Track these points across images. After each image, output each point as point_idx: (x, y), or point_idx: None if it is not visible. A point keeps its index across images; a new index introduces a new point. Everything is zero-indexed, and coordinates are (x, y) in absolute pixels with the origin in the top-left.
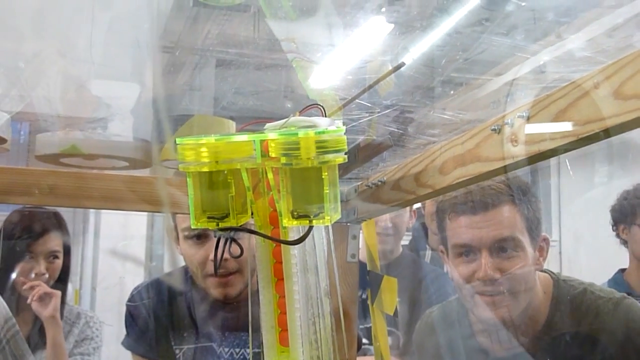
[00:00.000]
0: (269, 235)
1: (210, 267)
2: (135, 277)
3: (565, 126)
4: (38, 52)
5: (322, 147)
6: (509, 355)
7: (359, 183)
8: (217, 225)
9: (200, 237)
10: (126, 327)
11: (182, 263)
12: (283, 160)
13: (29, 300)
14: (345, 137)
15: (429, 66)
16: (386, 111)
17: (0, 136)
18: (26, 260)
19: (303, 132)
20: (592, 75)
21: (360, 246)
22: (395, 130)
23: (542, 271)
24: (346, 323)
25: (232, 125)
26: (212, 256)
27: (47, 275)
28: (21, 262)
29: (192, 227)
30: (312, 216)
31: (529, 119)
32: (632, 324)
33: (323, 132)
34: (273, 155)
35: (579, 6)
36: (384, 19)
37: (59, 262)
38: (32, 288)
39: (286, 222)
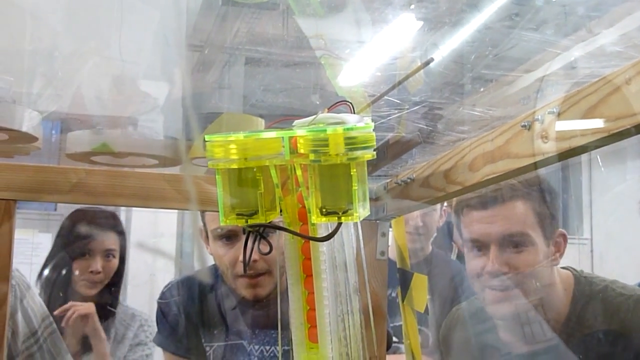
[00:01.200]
0: (298, 232)
1: (239, 268)
2: (165, 274)
3: (596, 122)
4: (73, 51)
5: (351, 144)
6: (531, 351)
7: (388, 180)
8: (246, 222)
9: (229, 237)
10: (157, 324)
11: (212, 261)
12: (312, 156)
13: (62, 324)
14: (374, 133)
15: (458, 62)
16: (415, 108)
17: (31, 135)
18: (84, 257)
19: (331, 128)
20: (624, 70)
21: (389, 244)
22: (425, 127)
23: (564, 268)
24: (376, 320)
25: (261, 122)
26: (242, 257)
27: (102, 274)
28: (79, 259)
29: (221, 224)
30: (340, 213)
31: (559, 115)
32: None
33: (352, 129)
34: (302, 151)
35: (609, 0)
36: (413, 16)
37: (115, 262)
38: (64, 311)
39: (315, 218)
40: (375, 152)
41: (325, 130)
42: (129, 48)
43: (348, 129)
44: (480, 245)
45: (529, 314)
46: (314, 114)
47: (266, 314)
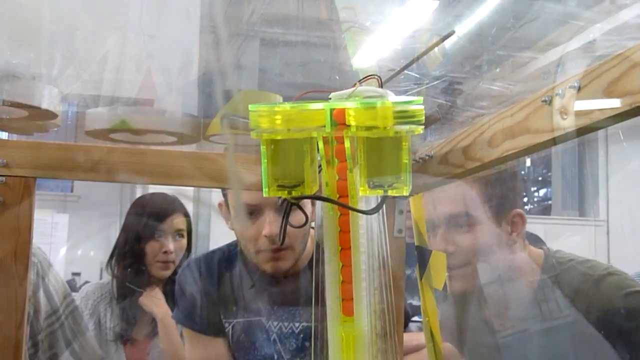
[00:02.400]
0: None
1: (262, 243)
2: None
3: (618, 96)
4: (92, 30)
5: (401, 117)
6: (509, 332)
7: None
8: (289, 193)
9: (252, 213)
10: (176, 301)
11: (227, 241)
12: (361, 129)
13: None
14: (423, 107)
15: (479, 35)
16: (435, 82)
17: (50, 111)
18: (155, 239)
19: (381, 101)
20: None
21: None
22: (444, 102)
23: (539, 248)
24: (395, 298)
25: (279, 99)
26: (265, 231)
27: (174, 254)
28: (151, 240)
29: (264, 195)
30: (386, 186)
31: (580, 90)
32: (610, 302)
33: (402, 103)
34: (351, 123)
35: None
36: None
37: (184, 242)
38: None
39: (362, 191)
40: (423, 127)
41: (376, 103)
42: (148, 27)
43: (398, 103)
44: (432, 226)
45: (487, 291)
46: (335, 89)
47: (285, 291)
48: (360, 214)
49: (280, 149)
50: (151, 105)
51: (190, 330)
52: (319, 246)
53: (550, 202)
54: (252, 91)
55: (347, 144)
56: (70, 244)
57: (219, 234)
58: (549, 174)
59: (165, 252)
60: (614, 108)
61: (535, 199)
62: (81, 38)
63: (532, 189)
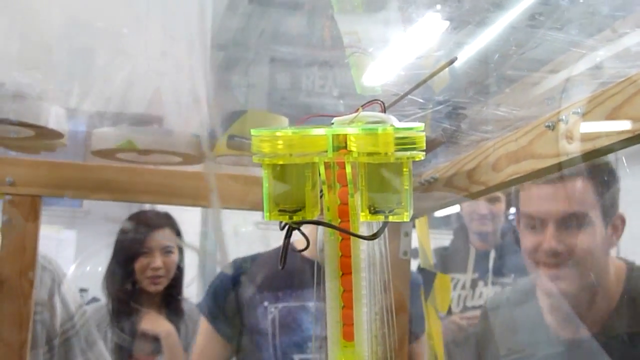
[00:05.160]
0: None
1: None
2: (188, 270)
3: (621, 123)
4: (101, 48)
5: (402, 144)
6: (574, 338)
7: None
8: (291, 218)
9: None
10: (207, 291)
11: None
12: (362, 155)
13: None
14: (424, 134)
15: (482, 62)
16: (439, 107)
17: (57, 131)
18: (144, 255)
19: (383, 128)
20: None
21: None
22: (448, 126)
23: (618, 258)
24: (399, 319)
25: (285, 121)
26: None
27: (163, 270)
28: (140, 257)
29: (265, 219)
30: (387, 212)
31: (584, 116)
32: None
33: (403, 129)
34: (353, 149)
35: (634, 0)
36: (439, 16)
37: (174, 257)
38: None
39: (363, 217)
40: (424, 153)
41: (377, 130)
42: (155, 46)
43: (399, 129)
44: (538, 222)
45: (580, 296)
46: (337, 113)
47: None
48: (361, 241)
49: (282, 173)
50: (160, 123)
51: (208, 325)
52: (320, 269)
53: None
54: (258, 112)
55: (348, 169)
56: (78, 260)
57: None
58: None
59: (153, 268)
60: (618, 134)
61: None
62: (89, 56)
63: None
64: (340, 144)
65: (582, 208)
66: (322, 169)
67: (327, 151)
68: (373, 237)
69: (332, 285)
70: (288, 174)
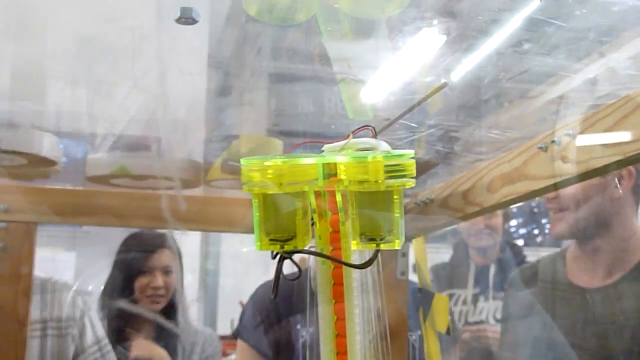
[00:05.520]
0: (329, 256)
1: None
2: (189, 292)
3: (613, 144)
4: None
5: (392, 171)
6: (598, 287)
7: (407, 200)
8: (282, 247)
9: None
10: (242, 315)
11: (235, 277)
12: (353, 183)
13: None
14: (414, 161)
15: (472, 86)
16: (430, 130)
17: (49, 158)
18: (144, 275)
19: (372, 156)
20: (638, 94)
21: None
22: (442, 148)
23: None
24: (397, 341)
25: (280, 144)
26: None
27: (164, 289)
28: (140, 277)
29: (256, 250)
30: (379, 240)
31: (575, 137)
32: None
33: (392, 157)
34: (343, 178)
35: (619, 25)
36: (428, 42)
37: (174, 277)
38: None
39: (355, 245)
40: (414, 180)
41: (367, 158)
42: (151, 71)
43: (388, 157)
44: None
45: (601, 243)
46: (333, 137)
47: None
48: (353, 270)
49: (272, 202)
50: (157, 145)
51: (248, 348)
52: (312, 294)
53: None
54: (251, 137)
55: (338, 197)
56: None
57: (226, 272)
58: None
59: (154, 288)
60: (610, 156)
61: (547, 231)
62: (85, 79)
63: (543, 220)
64: (331, 171)
65: None
66: (312, 198)
67: (317, 180)
68: (365, 265)
69: (325, 313)
70: (278, 203)
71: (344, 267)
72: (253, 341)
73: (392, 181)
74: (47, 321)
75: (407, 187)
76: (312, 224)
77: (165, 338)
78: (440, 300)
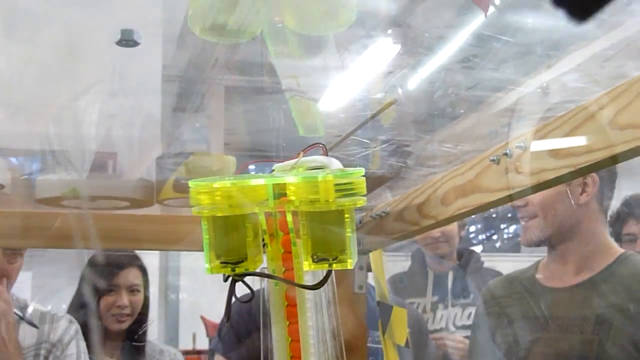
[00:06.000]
0: (282, 277)
1: None
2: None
3: (564, 156)
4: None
5: (342, 190)
6: (558, 287)
7: (363, 214)
8: (233, 270)
9: None
10: (219, 332)
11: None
12: (303, 203)
13: None
14: (364, 179)
15: (423, 101)
16: (383, 146)
17: None
18: (110, 293)
19: (322, 175)
20: (586, 106)
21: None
22: (395, 163)
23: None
24: (356, 354)
25: (233, 161)
26: None
27: (129, 308)
28: (105, 296)
29: (206, 272)
30: (331, 260)
31: (527, 149)
32: None
33: (342, 176)
34: (293, 198)
35: (566, 39)
36: (376, 56)
37: (141, 297)
38: None
39: (307, 266)
40: (365, 198)
41: (317, 178)
42: (108, 84)
43: (339, 176)
44: None
45: (572, 248)
46: (279, 159)
47: None
48: (306, 290)
49: (222, 225)
50: (114, 161)
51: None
52: (266, 315)
53: (519, 239)
54: (203, 154)
55: (289, 218)
56: (34, 301)
57: (186, 287)
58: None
59: (119, 307)
60: (561, 168)
61: (505, 237)
62: (39, 98)
63: (502, 226)
64: (282, 191)
65: None
66: (262, 219)
67: (267, 200)
68: (317, 286)
69: (279, 335)
70: (228, 225)
71: (297, 288)
72: (233, 356)
73: (343, 200)
74: (42, 343)
75: (358, 205)
76: (264, 245)
77: (130, 357)
78: (399, 313)
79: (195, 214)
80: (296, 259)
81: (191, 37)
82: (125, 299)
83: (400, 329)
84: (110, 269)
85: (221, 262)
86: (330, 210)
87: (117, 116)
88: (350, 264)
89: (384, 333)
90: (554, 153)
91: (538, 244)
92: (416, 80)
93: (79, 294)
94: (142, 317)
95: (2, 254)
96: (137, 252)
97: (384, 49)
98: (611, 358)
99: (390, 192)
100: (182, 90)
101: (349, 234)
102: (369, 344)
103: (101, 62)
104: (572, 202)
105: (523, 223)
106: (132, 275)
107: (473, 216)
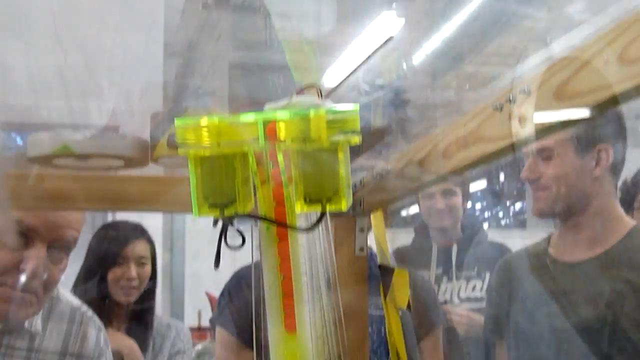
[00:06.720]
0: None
1: None
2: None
3: (569, 98)
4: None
5: (335, 127)
6: (572, 262)
7: (363, 174)
8: (222, 213)
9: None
10: (218, 303)
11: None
12: (295, 141)
13: None
14: (358, 115)
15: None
16: (380, 93)
17: None
18: (118, 265)
19: (314, 110)
20: (593, 43)
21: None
22: (395, 114)
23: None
24: (356, 318)
25: None
26: None
27: (137, 281)
28: (113, 268)
29: (194, 216)
30: (324, 201)
31: (530, 94)
32: None
33: (335, 111)
34: (282, 136)
35: None
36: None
37: (148, 269)
38: None
39: (299, 208)
40: (360, 136)
41: (309, 113)
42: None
43: (332, 112)
44: (525, 157)
45: (586, 222)
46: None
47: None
48: (300, 235)
49: (210, 165)
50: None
51: (228, 335)
52: (257, 267)
53: (525, 215)
54: (199, 110)
55: (280, 158)
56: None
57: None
58: (524, 187)
59: (128, 279)
60: (565, 111)
61: (511, 213)
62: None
63: (507, 203)
64: (271, 133)
65: (550, 144)
66: (251, 159)
67: (257, 139)
68: (310, 229)
69: (270, 273)
70: (217, 166)
71: (289, 233)
72: (231, 328)
73: (336, 137)
74: (67, 355)
75: (352, 143)
76: (255, 188)
77: (136, 330)
78: (400, 275)
79: (181, 154)
80: (288, 202)
81: (195, 11)
82: (133, 271)
83: (401, 291)
84: (118, 242)
85: (209, 205)
86: (323, 149)
87: (119, 89)
88: (344, 205)
89: (385, 296)
90: (559, 95)
91: (550, 215)
92: (421, 55)
93: (85, 267)
94: (149, 290)
95: (46, 256)
96: (143, 225)
97: (388, 22)
98: (626, 332)
99: (391, 149)
100: (185, 66)
101: (343, 174)
102: (370, 312)
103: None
104: (587, 173)
105: (534, 193)
106: (139, 248)
107: (478, 193)
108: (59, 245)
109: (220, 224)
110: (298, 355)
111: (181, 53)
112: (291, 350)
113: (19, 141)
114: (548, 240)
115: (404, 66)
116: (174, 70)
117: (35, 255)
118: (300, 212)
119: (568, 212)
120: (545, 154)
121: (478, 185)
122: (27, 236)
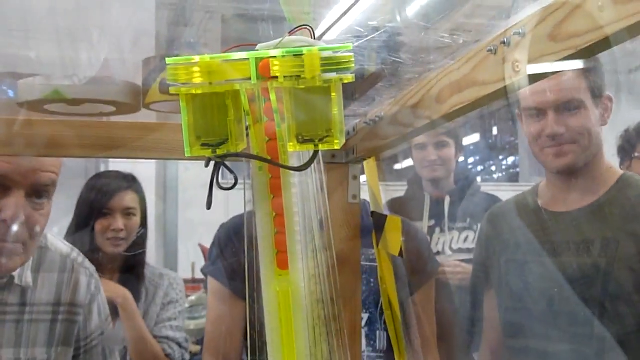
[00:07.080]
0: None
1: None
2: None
3: (564, 39)
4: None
5: (329, 65)
6: (567, 211)
7: (356, 121)
8: (214, 152)
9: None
10: (210, 253)
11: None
12: (288, 79)
13: None
14: (352, 54)
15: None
16: (375, 34)
17: None
18: (105, 217)
19: (307, 48)
20: None
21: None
22: (388, 57)
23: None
24: (350, 264)
25: None
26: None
27: (125, 232)
28: (100, 219)
29: (186, 155)
30: (317, 140)
31: (525, 36)
32: None
33: (329, 49)
34: (276, 74)
35: None
36: None
37: (136, 220)
38: None
39: (291, 147)
40: (353, 75)
41: (302, 51)
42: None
43: (325, 49)
44: (539, 112)
45: (581, 172)
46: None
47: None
48: (292, 173)
49: (202, 104)
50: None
51: (220, 286)
52: (249, 215)
53: (518, 169)
54: (192, 55)
55: (272, 96)
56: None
57: (184, 207)
58: (516, 141)
59: (114, 230)
60: (562, 51)
61: (503, 167)
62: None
63: (500, 157)
64: (264, 72)
65: (576, 94)
66: (243, 98)
67: (250, 78)
68: (302, 167)
69: (262, 208)
70: (208, 105)
71: (282, 172)
72: (223, 278)
73: (329, 75)
74: (60, 305)
75: (345, 81)
76: (247, 128)
77: (128, 280)
78: (393, 222)
79: (172, 92)
80: (281, 142)
81: None
82: (120, 222)
83: (394, 238)
84: (105, 192)
85: (201, 145)
86: (316, 87)
87: (111, 39)
88: (337, 144)
89: (377, 244)
90: (554, 36)
91: (575, 169)
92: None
93: (76, 217)
94: (139, 241)
95: (25, 202)
96: (134, 175)
97: None
98: (619, 280)
99: (384, 95)
100: (178, 18)
101: (336, 113)
102: (362, 262)
103: None
104: (597, 128)
105: (556, 148)
106: (127, 199)
107: (472, 147)
108: (37, 190)
109: (212, 164)
110: (290, 292)
111: (174, 4)
112: (283, 288)
113: (10, 94)
114: (536, 191)
115: (398, 13)
116: (166, 21)
117: (14, 203)
118: (293, 150)
119: (584, 164)
120: (572, 105)
121: (472, 139)
122: (2, 185)
